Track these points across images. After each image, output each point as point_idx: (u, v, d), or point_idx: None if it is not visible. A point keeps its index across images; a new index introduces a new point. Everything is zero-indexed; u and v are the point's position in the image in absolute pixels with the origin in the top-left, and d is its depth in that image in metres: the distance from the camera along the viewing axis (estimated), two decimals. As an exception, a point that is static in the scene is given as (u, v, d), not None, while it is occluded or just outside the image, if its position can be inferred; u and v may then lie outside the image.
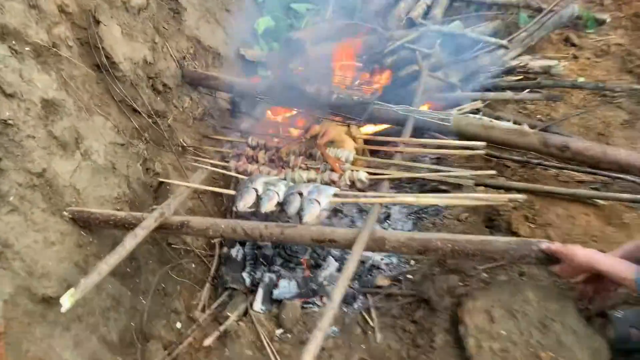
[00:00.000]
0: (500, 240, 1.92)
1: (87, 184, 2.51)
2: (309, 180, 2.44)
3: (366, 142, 2.73)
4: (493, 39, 3.73)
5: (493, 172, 2.24)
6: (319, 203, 2.16)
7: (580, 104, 3.72)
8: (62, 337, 2.17)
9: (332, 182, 2.38)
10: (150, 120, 2.93)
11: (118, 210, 2.62)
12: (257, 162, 2.58)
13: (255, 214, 2.29)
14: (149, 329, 2.47)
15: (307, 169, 2.48)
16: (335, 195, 2.26)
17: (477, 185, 2.88)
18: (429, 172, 2.42)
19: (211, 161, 2.61)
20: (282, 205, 2.25)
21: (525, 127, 2.98)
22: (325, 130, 2.56)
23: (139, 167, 2.82)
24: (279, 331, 2.44)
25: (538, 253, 1.87)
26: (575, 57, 4.30)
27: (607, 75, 4.06)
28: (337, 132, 2.57)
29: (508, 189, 2.86)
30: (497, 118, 3.38)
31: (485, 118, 3.21)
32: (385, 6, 4.59)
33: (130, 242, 2.11)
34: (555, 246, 1.84)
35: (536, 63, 3.74)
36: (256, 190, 2.22)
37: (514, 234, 2.62)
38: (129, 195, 2.68)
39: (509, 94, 3.34)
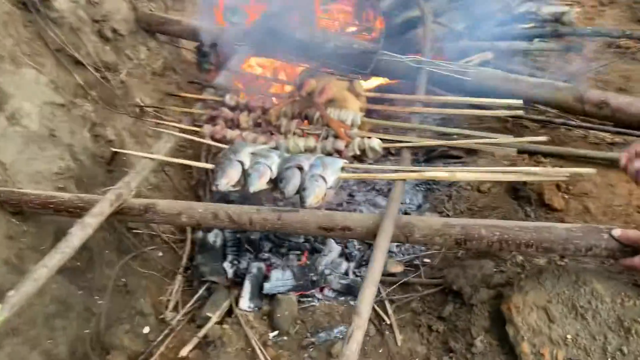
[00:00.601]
0: (560, 226, 1.54)
1: (16, 157, 1.94)
2: (307, 150, 1.94)
3: (371, 100, 2.23)
4: (500, -19, 3.25)
5: (544, 137, 1.79)
6: (325, 180, 1.67)
7: (594, 56, 3.32)
8: (-8, 359, 1.66)
9: (336, 152, 1.89)
10: (98, 74, 2.34)
11: (60, 188, 2.07)
12: (238, 126, 2.05)
13: (241, 194, 1.78)
14: (109, 338, 1.96)
15: (304, 135, 1.97)
16: (343, 169, 1.78)
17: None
18: (458, 138, 1.95)
19: (179, 125, 2.06)
20: (276, 182, 1.75)
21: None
22: (323, 86, 2.04)
23: (86, 133, 2.25)
24: (273, 334, 1.97)
25: (609, 242, 1.50)
26: (579, 4, 3.89)
27: (617, 25, 3.68)
28: (338, 89, 2.06)
29: (533, 154, 2.45)
30: (509, 71, 2.94)
31: (498, 71, 2.76)
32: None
33: (78, 235, 1.59)
34: (635, 233, 1.44)
35: (547, 9, 3.30)
36: (242, 164, 1.70)
37: (547, 206, 2.22)
38: (74, 170, 2.12)
39: (523, 44, 2.90)
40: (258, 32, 2.37)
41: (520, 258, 2.01)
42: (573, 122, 2.57)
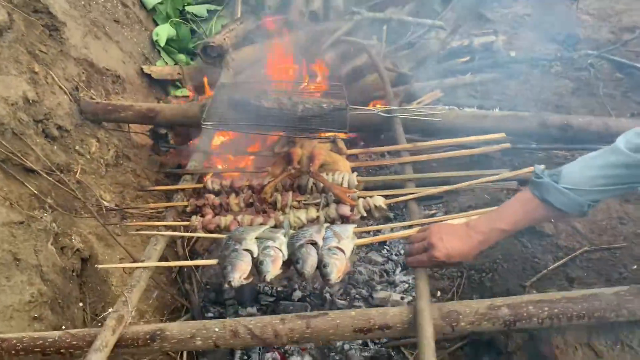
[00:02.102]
0: (607, 291, 1.50)
1: (-21, 295, 1.67)
2: (310, 221, 1.83)
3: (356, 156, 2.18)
4: (429, 21, 3.38)
5: (543, 166, 1.82)
6: (343, 251, 1.58)
7: (526, 78, 3.53)
8: None
9: (343, 218, 1.80)
10: (51, 178, 2.10)
11: (35, 318, 1.80)
12: (229, 210, 1.91)
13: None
14: None
15: (302, 206, 1.87)
16: (355, 233, 1.70)
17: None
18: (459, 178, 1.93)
19: (163, 223, 1.87)
20: (289, 264, 1.62)
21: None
22: (311, 152, 1.96)
23: (50, 247, 1.99)
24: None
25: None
26: (495, 32, 4.15)
27: (534, 46, 3.96)
28: (327, 152, 1.99)
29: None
30: (459, 105, 3.04)
31: (455, 108, 2.84)
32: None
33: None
34: None
35: (477, 41, 3.47)
36: (250, 252, 1.56)
37: (539, 233, 2.26)
38: (47, 294, 1.86)
39: (467, 77, 3.01)
40: (220, 107, 2.25)
41: (533, 291, 2.02)
42: (534, 145, 2.67)
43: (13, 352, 1.52)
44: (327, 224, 1.73)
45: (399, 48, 3.25)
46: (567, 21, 4.22)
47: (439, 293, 2.17)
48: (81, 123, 2.40)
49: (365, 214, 1.82)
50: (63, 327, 1.85)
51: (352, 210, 1.82)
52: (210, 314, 2.16)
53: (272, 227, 1.79)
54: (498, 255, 2.18)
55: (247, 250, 1.59)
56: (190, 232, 1.84)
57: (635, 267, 2.06)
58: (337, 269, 1.55)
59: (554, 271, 2.09)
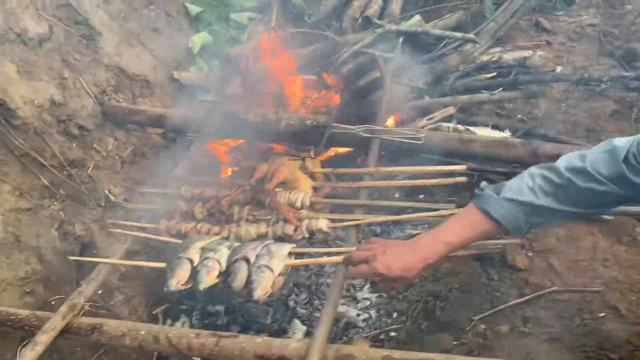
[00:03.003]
0: None
1: (-21, 269, 2.01)
2: (259, 236, 1.97)
3: (324, 175, 2.27)
4: (459, 34, 3.30)
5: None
6: (272, 270, 1.69)
7: (563, 96, 3.33)
8: None
9: (286, 236, 1.92)
10: (64, 174, 2.43)
11: (27, 293, 2.13)
12: (193, 218, 2.10)
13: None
14: None
15: (256, 221, 2.01)
16: (291, 253, 1.80)
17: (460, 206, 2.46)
18: (405, 208, 1.96)
19: (136, 224, 2.11)
20: (226, 275, 1.77)
21: (508, 135, 2.57)
22: (274, 170, 2.08)
23: (53, 233, 2.31)
24: None
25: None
26: (548, 44, 3.92)
27: (586, 61, 3.69)
28: (289, 170, 2.10)
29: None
30: (473, 123, 2.97)
31: (459, 126, 2.79)
32: (337, 7, 4.13)
33: (28, 356, 1.62)
34: None
35: (510, 55, 3.33)
36: (190, 261, 1.73)
37: (511, 267, 2.20)
38: (40, 272, 2.18)
39: (484, 95, 2.93)
40: (213, 118, 2.44)
41: (482, 327, 1.99)
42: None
43: (-2, 324, 1.83)
44: (268, 242, 1.85)
45: (420, 62, 3.21)
46: (632, 35, 3.87)
47: (395, 314, 2.20)
48: (102, 123, 2.71)
49: (307, 235, 1.92)
50: (52, 303, 2.17)
51: (295, 230, 1.92)
52: (183, 306, 2.37)
53: (222, 239, 1.95)
54: (455, 284, 2.16)
55: (188, 258, 1.77)
56: (155, 235, 2.05)
57: (602, 314, 1.96)
58: (262, 286, 1.67)
59: (512, 308, 2.04)
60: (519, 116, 3.16)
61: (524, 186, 1.34)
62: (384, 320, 2.19)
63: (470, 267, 2.22)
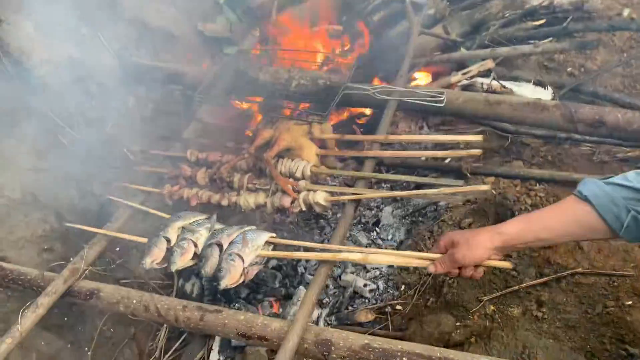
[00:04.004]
0: None
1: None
2: (257, 207, 1.90)
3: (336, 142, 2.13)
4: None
5: (486, 187, 1.62)
6: (242, 259, 1.63)
7: (626, 45, 2.92)
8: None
9: (283, 208, 1.84)
10: (82, 133, 2.45)
11: (46, 250, 2.22)
12: (196, 183, 2.06)
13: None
14: (94, 393, 2.08)
15: (255, 190, 1.94)
16: (269, 242, 1.72)
17: (485, 175, 2.27)
18: (411, 182, 1.82)
19: (143, 187, 2.11)
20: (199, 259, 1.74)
21: (545, 95, 2.30)
22: (276, 137, 1.98)
23: (72, 191, 2.37)
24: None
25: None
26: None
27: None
28: (293, 137, 1.99)
29: (525, 179, 2.23)
30: (514, 79, 2.69)
31: (494, 83, 2.53)
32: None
33: (30, 318, 1.70)
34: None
35: (566, -1, 2.94)
36: (168, 240, 1.71)
37: (532, 243, 2.02)
38: (59, 230, 2.25)
39: (527, 47, 2.62)
40: (226, 77, 2.34)
41: (491, 308, 1.86)
42: (578, 137, 2.30)
43: (6, 279, 1.92)
44: (247, 228, 1.77)
45: (458, 8, 2.91)
46: None
47: (403, 287, 2.11)
48: (122, 81, 2.69)
49: (304, 208, 1.83)
50: (71, 259, 2.25)
51: (292, 202, 1.84)
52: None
53: (205, 219, 1.88)
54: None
55: (166, 237, 1.75)
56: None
57: (629, 302, 1.77)
58: (230, 276, 1.63)
59: (528, 290, 1.89)
60: (568, 69, 2.82)
61: (632, 173, 1.20)
62: (391, 292, 2.11)
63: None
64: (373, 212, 2.50)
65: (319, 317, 2.11)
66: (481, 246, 1.32)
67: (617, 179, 1.22)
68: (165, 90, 2.81)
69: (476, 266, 1.37)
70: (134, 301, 1.71)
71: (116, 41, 2.73)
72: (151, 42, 2.91)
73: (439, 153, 1.89)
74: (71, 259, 1.99)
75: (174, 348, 2.19)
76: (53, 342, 2.11)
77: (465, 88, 2.67)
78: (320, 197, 1.80)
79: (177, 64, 2.72)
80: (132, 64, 2.70)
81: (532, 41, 2.77)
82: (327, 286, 2.21)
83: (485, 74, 2.69)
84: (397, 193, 1.79)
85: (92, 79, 2.57)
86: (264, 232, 1.72)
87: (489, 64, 2.66)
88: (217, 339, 2.10)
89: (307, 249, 1.79)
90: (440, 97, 2.08)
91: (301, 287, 2.17)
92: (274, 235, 1.72)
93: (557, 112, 2.04)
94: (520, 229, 1.30)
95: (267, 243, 1.69)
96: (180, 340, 2.21)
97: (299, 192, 1.85)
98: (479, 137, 1.79)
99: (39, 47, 2.40)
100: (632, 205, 1.17)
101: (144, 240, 1.81)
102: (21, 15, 2.38)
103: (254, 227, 1.75)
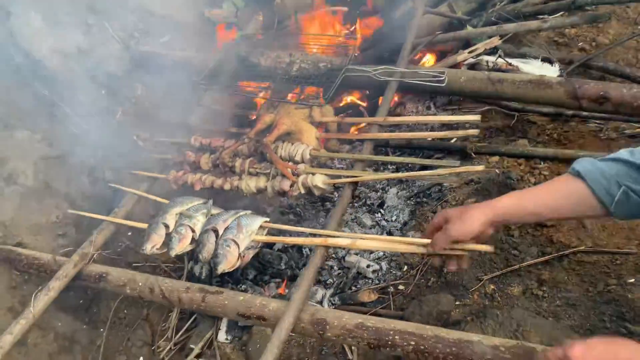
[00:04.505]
0: (486, 342, 1.34)
1: (15, 213, 2.19)
2: (258, 190, 1.94)
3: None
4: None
5: (480, 167, 1.61)
6: (238, 245, 1.67)
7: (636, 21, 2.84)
8: (2, 396, 1.92)
9: (283, 192, 1.87)
10: (93, 123, 2.51)
11: (60, 235, 2.30)
12: (200, 168, 2.10)
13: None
14: (106, 368, 2.17)
15: (256, 174, 1.97)
16: (263, 227, 1.76)
17: (490, 155, 2.26)
18: (410, 165, 1.82)
19: (149, 174, 2.16)
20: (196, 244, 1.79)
21: (552, 72, 2.26)
22: (277, 121, 2.00)
23: (84, 179, 2.45)
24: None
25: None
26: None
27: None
28: (293, 121, 2.01)
29: (529, 158, 2.21)
30: (522, 55, 2.64)
31: (500, 60, 2.50)
32: None
33: (42, 300, 1.78)
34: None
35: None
36: (166, 226, 1.76)
37: (535, 224, 2.01)
38: (72, 216, 2.33)
39: (534, 23, 2.56)
40: (229, 63, 2.37)
41: (491, 287, 1.87)
42: (586, 114, 2.26)
43: (23, 264, 2.00)
44: (241, 213, 1.81)
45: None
46: None
47: (405, 267, 2.12)
48: (131, 69, 2.74)
49: (303, 191, 1.86)
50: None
51: (292, 185, 1.86)
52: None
53: (202, 203, 1.93)
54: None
55: (164, 223, 1.80)
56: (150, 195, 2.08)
57: (632, 280, 1.76)
58: (226, 261, 1.70)
59: (529, 269, 1.89)
60: (579, 44, 2.76)
61: (624, 150, 1.21)
62: (393, 272, 2.13)
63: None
64: (378, 193, 2.51)
65: (323, 297, 2.14)
66: (475, 219, 1.31)
67: (610, 155, 1.22)
68: (172, 77, 2.85)
69: (458, 256, 1.38)
70: (140, 284, 1.78)
71: (123, 30, 2.78)
72: (158, 30, 2.95)
73: (436, 134, 1.89)
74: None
75: (184, 328, 2.27)
76: (69, 323, 2.20)
77: (472, 66, 2.64)
78: (318, 180, 1.82)
79: (183, 51, 2.75)
80: (140, 53, 2.74)
81: (541, 16, 2.71)
82: (331, 267, 2.25)
83: (492, 51, 2.66)
84: (394, 175, 1.81)
85: (100, 68, 2.62)
86: (258, 217, 1.76)
87: (495, 41, 2.62)
88: (225, 319, 2.15)
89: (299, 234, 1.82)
90: (441, 77, 2.07)
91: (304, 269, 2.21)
92: (268, 220, 1.76)
93: (561, 88, 2.01)
94: (513, 203, 1.30)
95: (262, 227, 1.73)
96: (191, 321, 2.28)
97: (298, 175, 1.87)
98: (477, 117, 1.78)
99: (47, 39, 2.46)
100: (623, 181, 1.16)
101: (145, 226, 1.87)
102: (29, 7, 2.44)
103: (248, 212, 1.79)
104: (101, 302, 2.32)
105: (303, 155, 1.92)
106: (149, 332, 2.32)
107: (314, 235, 1.67)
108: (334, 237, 1.62)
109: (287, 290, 2.22)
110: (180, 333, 2.25)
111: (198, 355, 2.13)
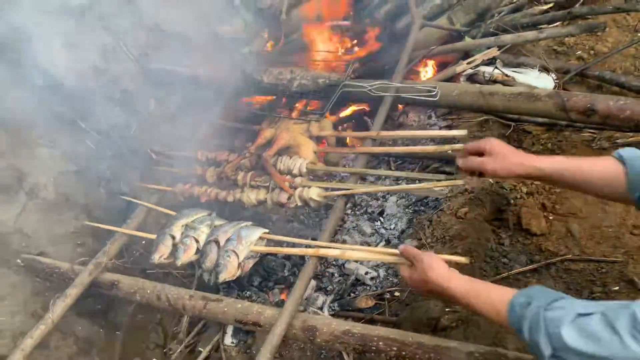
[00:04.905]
0: (462, 348, 1.44)
1: (37, 225, 2.36)
2: (259, 202, 2.06)
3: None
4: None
5: (460, 182, 1.70)
6: (237, 255, 1.80)
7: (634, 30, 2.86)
8: (26, 394, 2.08)
9: (280, 205, 1.99)
10: (108, 136, 2.67)
11: (79, 244, 2.46)
12: (206, 182, 2.24)
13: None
14: (122, 370, 2.32)
15: (257, 187, 2.09)
16: (262, 238, 1.89)
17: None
18: (397, 179, 1.92)
19: (158, 187, 2.30)
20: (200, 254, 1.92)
21: (546, 83, 2.33)
22: (276, 136, 2.12)
23: (101, 191, 2.61)
24: (250, 369, 2.18)
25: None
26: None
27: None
28: (291, 136, 2.12)
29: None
30: (520, 65, 2.70)
31: (496, 72, 2.56)
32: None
33: (60, 306, 1.93)
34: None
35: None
36: (173, 237, 1.90)
37: (526, 231, 2.08)
38: (90, 227, 2.49)
39: (531, 34, 2.61)
40: (235, 79, 2.50)
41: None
42: (580, 124, 2.32)
43: (45, 272, 2.16)
44: (242, 224, 1.93)
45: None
46: None
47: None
48: (144, 85, 2.90)
49: (300, 204, 1.97)
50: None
51: (289, 198, 1.98)
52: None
53: (206, 216, 2.06)
54: (460, 248, 2.09)
55: (171, 235, 1.94)
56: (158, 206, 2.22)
57: (616, 288, 1.82)
58: (227, 271, 1.83)
59: (517, 277, 1.96)
60: (578, 53, 2.80)
61: None
62: (390, 279, 2.22)
63: (480, 229, 2.13)
64: (379, 202, 2.60)
65: (323, 303, 2.25)
66: (518, 164, 1.38)
67: None
68: (182, 92, 2.99)
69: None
70: (148, 291, 1.92)
71: (136, 48, 2.93)
72: (170, 46, 3.10)
73: (423, 149, 1.97)
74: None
75: (194, 331, 2.40)
76: (88, 327, 2.36)
77: (470, 77, 2.71)
78: (313, 192, 1.93)
79: (193, 68, 2.89)
80: (152, 70, 2.89)
81: (540, 26, 2.76)
82: (332, 274, 2.35)
83: (491, 62, 2.72)
84: (385, 188, 1.90)
85: (115, 86, 2.78)
86: (258, 228, 1.88)
87: (494, 52, 2.69)
88: (231, 323, 2.29)
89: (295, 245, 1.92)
90: (433, 91, 2.16)
91: (307, 275, 2.32)
92: (267, 231, 1.87)
93: (550, 101, 2.08)
94: (554, 164, 1.36)
95: (261, 238, 1.85)
96: (201, 325, 2.41)
97: (295, 188, 1.99)
98: (463, 133, 1.86)
99: (66, 60, 2.62)
100: None
101: (149, 236, 2.01)
102: (49, 31, 2.61)
103: (249, 224, 1.91)
104: (118, 308, 2.47)
105: (300, 168, 2.04)
106: (162, 335, 2.47)
107: (309, 246, 1.78)
108: (326, 247, 1.72)
109: (289, 297, 2.34)
110: (190, 336, 2.40)
111: (206, 358, 2.27)
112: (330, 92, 2.30)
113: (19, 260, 2.26)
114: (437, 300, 1.56)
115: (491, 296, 1.19)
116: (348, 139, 2.53)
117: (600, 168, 1.31)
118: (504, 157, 1.40)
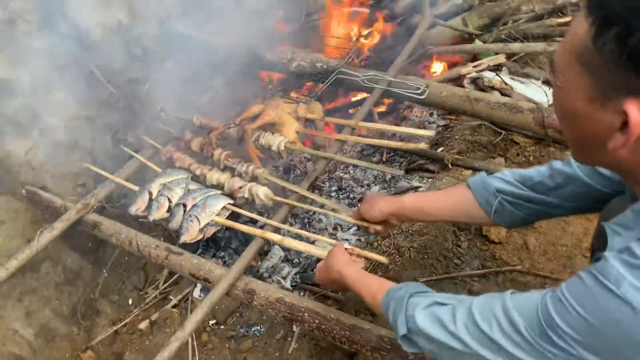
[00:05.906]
0: (375, 331, 1.56)
1: (44, 162, 2.58)
2: (219, 184, 2.18)
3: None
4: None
5: (402, 172, 1.79)
6: (199, 221, 1.94)
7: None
8: (14, 308, 2.33)
9: (231, 192, 2.10)
10: (123, 90, 2.86)
11: (80, 185, 2.68)
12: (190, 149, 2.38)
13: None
14: (100, 304, 2.54)
15: (225, 168, 2.21)
16: (226, 208, 2.02)
17: (465, 168, 2.40)
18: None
19: (153, 142, 2.47)
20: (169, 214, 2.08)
21: (542, 97, 2.34)
22: (263, 111, 2.24)
23: (107, 139, 2.81)
24: (212, 322, 2.35)
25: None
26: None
27: None
28: (278, 113, 2.23)
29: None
30: (524, 75, 2.70)
31: (496, 79, 2.58)
32: None
33: (45, 237, 2.13)
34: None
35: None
36: (150, 193, 2.06)
37: (485, 237, 2.14)
38: (92, 170, 2.70)
39: (539, 45, 2.59)
40: (244, 51, 2.62)
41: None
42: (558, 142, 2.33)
43: (43, 205, 2.38)
44: (211, 193, 2.07)
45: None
46: None
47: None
48: (165, 46, 3.06)
49: (247, 197, 2.07)
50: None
51: (241, 187, 2.08)
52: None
53: (184, 179, 2.20)
54: (417, 242, 2.17)
55: (149, 191, 2.10)
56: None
57: (554, 305, 1.87)
58: (188, 233, 1.98)
59: (464, 279, 2.04)
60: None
61: (507, 171, 1.38)
62: (353, 261, 2.32)
63: (441, 230, 2.20)
64: (363, 189, 2.69)
65: (288, 273, 2.39)
66: (377, 207, 1.56)
67: (497, 174, 1.39)
68: (198, 57, 3.14)
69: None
70: (122, 235, 2.10)
71: (162, 10, 3.09)
72: (197, 10, 3.24)
73: (392, 144, 2.05)
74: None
75: (170, 281, 2.60)
76: (77, 261, 2.58)
77: (474, 81, 2.73)
78: (262, 191, 2.03)
79: (212, 36, 3.02)
80: (176, 33, 3.05)
81: (551, 39, 2.74)
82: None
83: (497, 68, 2.73)
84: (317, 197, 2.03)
85: (137, 44, 2.96)
86: (224, 198, 2.01)
87: (500, 58, 2.70)
88: (202, 279, 2.46)
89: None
90: (420, 89, 2.22)
91: (275, 247, 2.46)
92: (232, 202, 2.01)
93: (530, 115, 2.10)
94: (413, 201, 1.52)
95: (225, 208, 1.99)
96: (176, 277, 2.60)
97: (256, 177, 2.10)
98: (430, 133, 1.93)
99: (93, 13, 2.81)
100: (500, 193, 1.33)
101: (134, 187, 2.18)
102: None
103: (218, 192, 2.05)
104: (107, 247, 2.69)
105: (279, 146, 2.15)
106: (143, 279, 2.68)
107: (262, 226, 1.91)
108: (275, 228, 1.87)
109: (259, 263, 2.49)
110: (166, 285, 2.60)
111: (174, 306, 2.46)
112: (325, 76, 2.39)
113: (23, 191, 2.50)
114: (338, 289, 1.69)
115: (375, 285, 1.30)
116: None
117: (454, 196, 1.43)
118: (376, 200, 1.58)
